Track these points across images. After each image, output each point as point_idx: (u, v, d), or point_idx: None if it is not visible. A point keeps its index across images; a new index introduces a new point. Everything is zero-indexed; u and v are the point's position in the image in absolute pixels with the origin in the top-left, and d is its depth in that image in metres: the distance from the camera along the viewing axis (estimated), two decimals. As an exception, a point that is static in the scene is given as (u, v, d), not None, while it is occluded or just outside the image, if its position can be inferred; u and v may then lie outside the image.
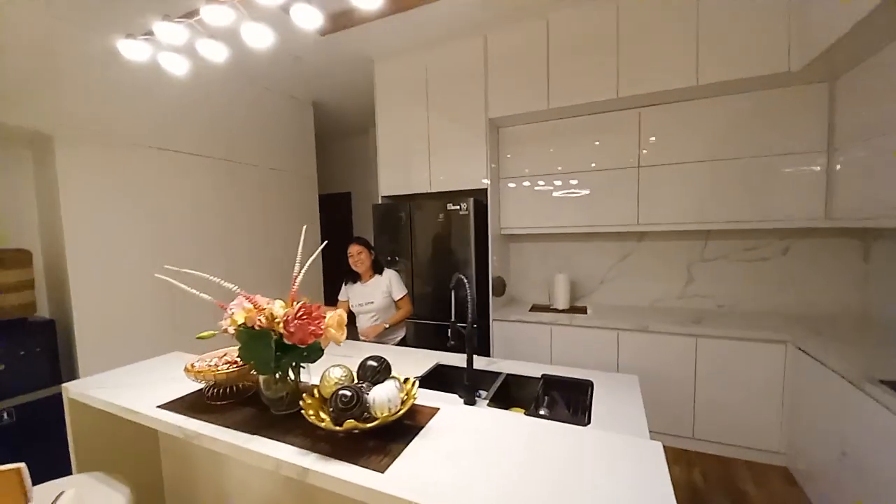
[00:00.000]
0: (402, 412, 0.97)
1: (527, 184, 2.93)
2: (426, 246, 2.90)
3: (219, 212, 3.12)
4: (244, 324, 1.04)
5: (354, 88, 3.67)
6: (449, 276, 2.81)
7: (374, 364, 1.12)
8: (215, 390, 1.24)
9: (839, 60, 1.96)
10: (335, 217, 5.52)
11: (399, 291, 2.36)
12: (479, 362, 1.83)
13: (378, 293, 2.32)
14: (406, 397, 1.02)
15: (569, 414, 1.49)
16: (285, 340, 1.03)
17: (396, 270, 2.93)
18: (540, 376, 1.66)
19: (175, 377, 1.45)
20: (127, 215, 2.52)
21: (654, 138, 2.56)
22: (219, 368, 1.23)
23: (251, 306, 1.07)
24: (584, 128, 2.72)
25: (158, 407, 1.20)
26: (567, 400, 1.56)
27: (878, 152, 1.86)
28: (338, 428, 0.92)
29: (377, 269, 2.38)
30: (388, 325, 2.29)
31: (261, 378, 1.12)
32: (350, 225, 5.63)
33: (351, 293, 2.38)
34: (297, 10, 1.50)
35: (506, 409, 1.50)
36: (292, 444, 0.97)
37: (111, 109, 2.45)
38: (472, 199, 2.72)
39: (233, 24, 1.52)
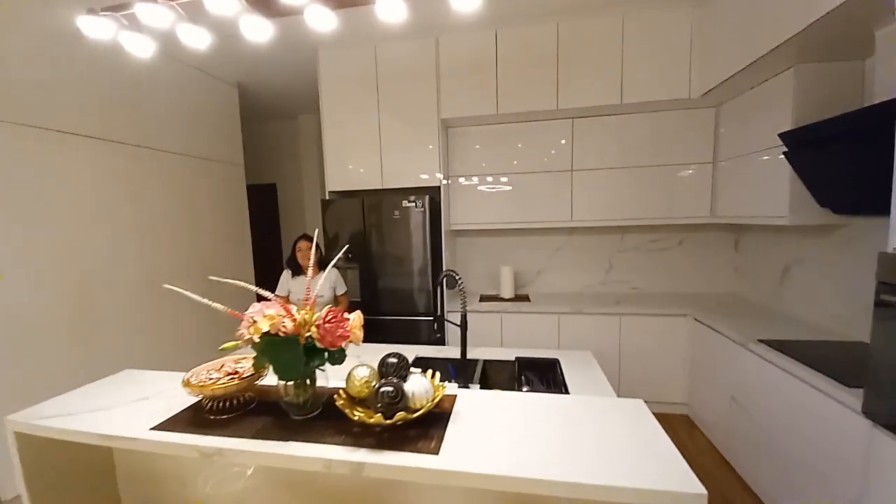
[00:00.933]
0: (436, 400, 1.06)
1: (473, 182, 3.12)
2: (380, 242, 2.92)
3: (137, 205, 2.73)
4: (268, 331, 1.02)
5: (287, 70, 3.39)
6: (403, 272, 2.91)
7: (395, 360, 1.18)
8: (216, 404, 1.18)
9: (724, 94, 2.50)
10: (259, 210, 5.11)
11: (342, 287, 2.62)
12: (453, 352, 1.97)
13: (326, 288, 2.53)
14: (436, 388, 1.10)
15: (546, 389, 1.71)
16: (318, 345, 1.04)
17: (349, 267, 2.93)
18: (514, 359, 1.86)
19: (145, 395, 1.32)
20: (25, 210, 2.09)
21: (583, 146, 2.93)
22: (220, 381, 1.17)
23: (273, 313, 1.05)
24: (525, 133, 2.99)
25: (153, 429, 1.10)
26: (540, 378, 1.78)
27: (746, 165, 2.42)
28: (389, 421, 0.97)
29: (322, 265, 2.39)
30: None
31: (281, 384, 1.11)
32: (276, 218, 5.27)
33: (294, 286, 2.52)
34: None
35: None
36: (334, 444, 0.99)
37: (6, 84, 2.00)
38: (427, 196, 2.81)
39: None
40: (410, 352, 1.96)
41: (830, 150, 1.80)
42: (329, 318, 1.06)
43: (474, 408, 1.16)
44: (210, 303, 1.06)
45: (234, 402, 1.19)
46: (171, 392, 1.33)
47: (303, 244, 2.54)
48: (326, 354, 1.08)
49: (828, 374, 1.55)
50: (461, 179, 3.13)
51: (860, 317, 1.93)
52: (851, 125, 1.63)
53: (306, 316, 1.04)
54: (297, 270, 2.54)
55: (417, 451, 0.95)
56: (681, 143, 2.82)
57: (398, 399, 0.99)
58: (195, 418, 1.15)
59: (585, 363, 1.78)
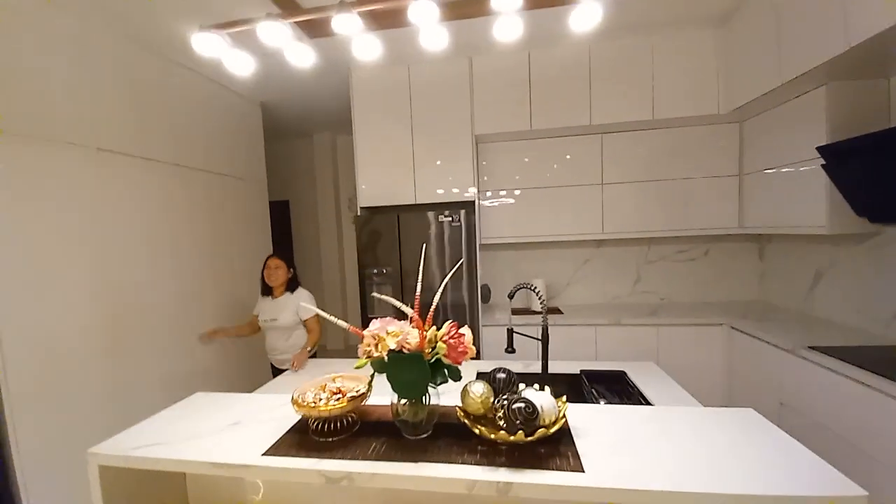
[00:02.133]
0: (564, 417, 1.05)
1: (504, 196, 3.15)
2: (415, 255, 2.91)
3: (170, 223, 2.67)
4: (403, 348, 1.00)
5: (312, 90, 3.44)
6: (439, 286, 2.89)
7: (504, 376, 1.18)
8: (322, 425, 1.14)
9: (750, 110, 2.61)
10: (272, 226, 5.04)
11: (307, 312, 2.33)
12: (516, 366, 1.96)
13: (285, 312, 2.33)
14: (561, 405, 1.10)
15: (623, 401, 1.70)
16: (444, 361, 1.03)
17: (382, 283, 2.90)
18: (579, 372, 1.86)
19: (236, 420, 1.27)
20: (62, 227, 2.02)
21: (612, 160, 3.01)
22: (329, 401, 1.13)
23: (396, 329, 1.03)
24: (557, 147, 3.06)
25: (265, 455, 1.06)
26: (610, 389, 1.78)
27: (777, 177, 2.52)
28: (530, 438, 0.96)
29: (291, 286, 2.40)
30: (309, 349, 2.33)
31: (394, 404, 1.08)
32: (289, 235, 5.21)
33: (261, 307, 2.43)
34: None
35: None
36: (466, 464, 0.97)
37: (44, 101, 1.95)
38: (463, 211, 2.83)
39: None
40: (471, 367, 1.94)
41: (870, 163, 1.89)
42: (452, 333, 1.05)
43: (589, 423, 1.15)
44: (338, 321, 1.04)
45: (341, 423, 1.16)
46: (260, 415, 1.29)
47: (270, 262, 2.38)
48: (447, 371, 1.06)
49: (884, 375, 1.60)
50: (492, 193, 3.17)
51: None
52: (890, 139, 1.72)
53: (436, 332, 1.03)
54: (267, 290, 2.41)
55: (561, 469, 0.93)
56: (706, 156, 2.92)
57: (535, 415, 0.98)
58: (303, 441, 1.11)
59: (653, 374, 1.79)
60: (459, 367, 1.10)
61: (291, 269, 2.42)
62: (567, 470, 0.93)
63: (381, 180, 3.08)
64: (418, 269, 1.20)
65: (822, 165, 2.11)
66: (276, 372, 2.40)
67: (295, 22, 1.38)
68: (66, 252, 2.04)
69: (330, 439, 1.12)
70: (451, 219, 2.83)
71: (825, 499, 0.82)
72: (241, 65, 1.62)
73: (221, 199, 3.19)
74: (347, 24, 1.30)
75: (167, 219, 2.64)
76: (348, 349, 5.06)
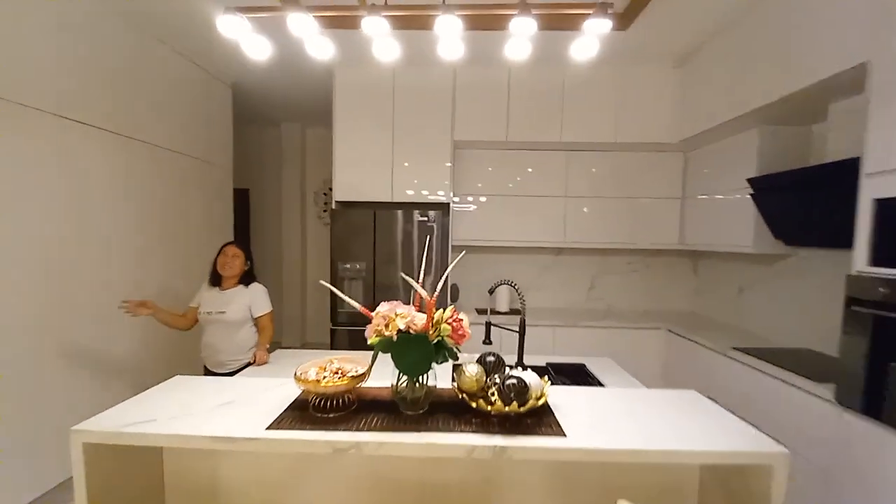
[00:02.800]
0: (546, 393, 1.20)
1: (476, 201, 3.31)
2: (389, 252, 2.97)
3: (136, 203, 2.53)
4: (410, 329, 1.09)
5: (288, 78, 3.39)
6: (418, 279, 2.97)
7: (493, 359, 1.31)
8: (321, 402, 1.19)
9: (695, 142, 2.99)
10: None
11: (262, 308, 2.15)
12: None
13: (235, 305, 2.08)
14: (544, 383, 1.24)
15: (583, 390, 1.89)
16: (447, 342, 1.13)
17: (356, 277, 2.94)
18: (545, 364, 2.04)
19: (229, 400, 1.29)
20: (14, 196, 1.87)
21: (576, 175, 3.28)
22: (331, 379, 1.19)
23: (405, 311, 1.12)
24: (527, 159, 3.27)
25: (269, 429, 1.09)
26: (573, 380, 1.97)
27: (708, 203, 2.91)
28: (522, 409, 1.09)
29: (246, 280, 2.16)
30: (267, 346, 2.15)
31: (401, 382, 1.17)
32: (247, 224, 5.00)
33: (204, 298, 2.11)
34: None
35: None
36: (463, 432, 1.08)
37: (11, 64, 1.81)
38: (439, 212, 2.94)
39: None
40: (447, 359, 2.05)
41: (788, 196, 2.27)
42: (454, 317, 1.15)
43: (564, 401, 1.30)
44: (351, 301, 1.10)
45: (340, 402, 1.22)
46: (254, 396, 1.31)
47: (228, 249, 2.12)
48: (447, 352, 1.17)
49: (800, 373, 1.93)
50: (461, 198, 3.31)
51: (805, 329, 2.41)
52: (810, 177, 2.10)
53: (442, 314, 1.13)
54: (215, 280, 2.12)
55: (547, 435, 1.07)
56: (655, 179, 3.28)
57: (526, 390, 1.11)
58: (305, 417, 1.16)
59: (609, 367, 2.01)
60: (458, 349, 1.21)
61: (249, 262, 2.18)
62: (551, 435, 1.07)
63: (358, 176, 3.11)
64: (422, 259, 1.30)
65: (751, 195, 2.48)
66: (207, 374, 2.11)
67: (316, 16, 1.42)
68: (19, 218, 1.88)
69: (330, 415, 1.18)
70: (426, 219, 2.93)
71: (761, 454, 1.03)
72: (258, 50, 1.61)
73: (190, 182, 3.06)
74: (373, 26, 1.36)
75: (132, 196, 2.50)
76: (305, 346, 4.94)
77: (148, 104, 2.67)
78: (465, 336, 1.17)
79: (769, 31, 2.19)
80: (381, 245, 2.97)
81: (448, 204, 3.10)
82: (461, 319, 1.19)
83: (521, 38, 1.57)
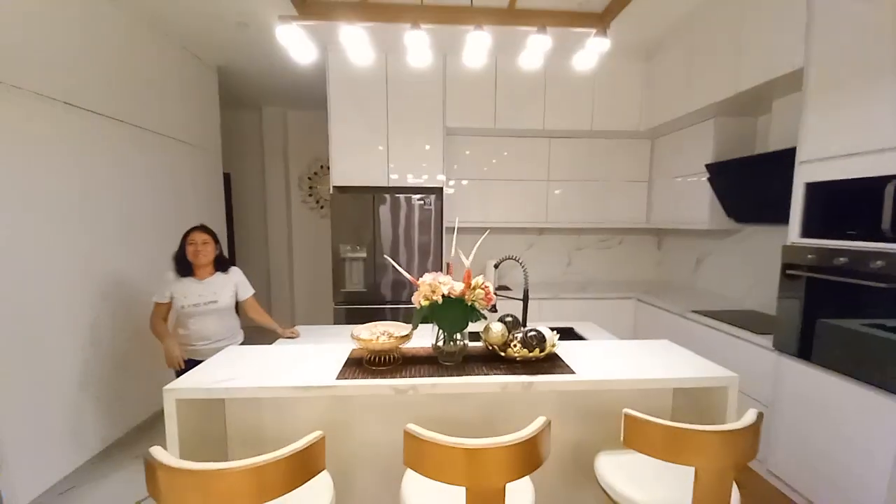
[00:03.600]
0: (556, 343, 1.48)
1: (466, 185, 3.54)
2: (389, 235, 3.17)
3: (123, 190, 2.54)
4: (451, 295, 1.33)
5: (273, 61, 3.40)
6: (411, 263, 3.19)
7: (511, 319, 1.57)
8: (374, 358, 1.42)
9: (661, 130, 3.35)
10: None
11: (248, 291, 2.18)
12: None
13: (225, 292, 2.07)
14: (553, 336, 1.52)
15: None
16: (477, 306, 1.38)
17: (360, 258, 3.12)
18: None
19: (300, 358, 1.49)
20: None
21: (557, 161, 3.58)
22: (383, 337, 1.42)
23: (445, 280, 1.36)
24: (513, 145, 3.53)
25: (338, 379, 1.31)
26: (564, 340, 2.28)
27: (671, 185, 3.29)
28: (543, 353, 1.37)
29: (222, 265, 2.12)
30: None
31: (441, 338, 1.41)
32: (230, 211, 4.97)
33: (180, 290, 2.01)
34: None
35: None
36: (495, 374, 1.35)
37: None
38: (434, 196, 3.15)
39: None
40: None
41: (737, 179, 2.66)
42: (483, 284, 1.40)
43: (568, 351, 1.60)
44: (403, 272, 1.32)
45: (387, 358, 1.45)
46: (311, 358, 1.51)
47: (196, 236, 2.01)
48: (478, 313, 1.42)
49: (744, 327, 2.34)
50: (457, 182, 3.53)
51: (749, 294, 2.86)
52: (756, 164, 2.48)
53: (478, 283, 1.37)
54: (186, 270, 2.02)
55: (562, 373, 1.36)
56: (625, 164, 3.63)
57: (544, 339, 1.39)
58: (362, 370, 1.38)
59: (593, 329, 2.35)
60: (483, 311, 1.46)
61: (219, 246, 2.11)
62: (565, 373, 1.36)
63: (354, 162, 3.24)
64: (452, 239, 1.53)
65: (707, 179, 2.87)
66: (188, 364, 1.95)
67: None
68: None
69: (382, 368, 1.41)
70: (423, 202, 3.13)
71: (718, 378, 1.37)
72: (305, 53, 1.73)
73: (179, 168, 3.07)
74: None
75: (119, 183, 2.50)
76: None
77: (136, 86, 2.64)
78: (491, 300, 1.42)
79: (723, 36, 2.52)
80: (380, 228, 3.15)
81: (441, 188, 3.31)
82: (488, 286, 1.44)
83: (532, 50, 1.79)
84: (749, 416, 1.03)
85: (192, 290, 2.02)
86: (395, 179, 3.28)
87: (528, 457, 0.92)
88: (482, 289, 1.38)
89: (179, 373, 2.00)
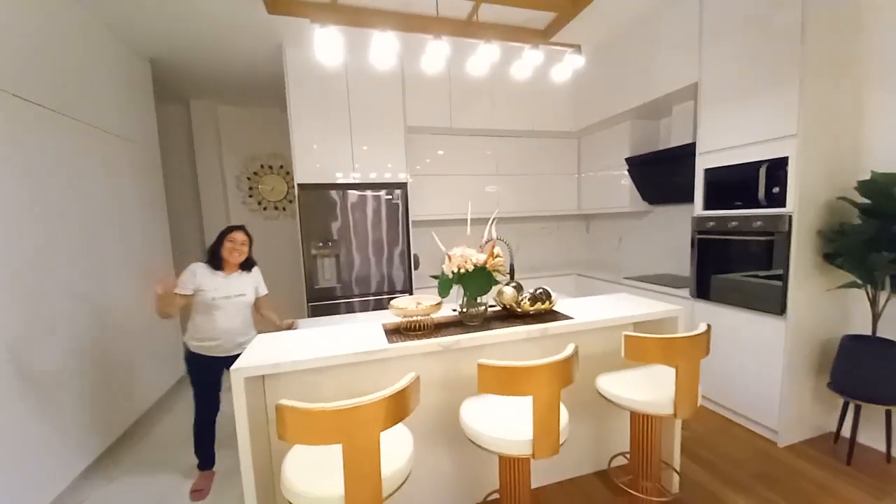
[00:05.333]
0: (556, 301, 1.83)
1: (426, 180, 3.79)
2: (360, 229, 3.27)
3: (64, 186, 2.27)
4: (476, 264, 1.59)
5: (207, 52, 3.25)
6: (381, 255, 3.34)
7: (516, 284, 1.88)
8: (411, 325, 1.62)
9: (588, 130, 3.97)
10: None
11: (264, 289, 2.34)
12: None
13: (250, 288, 2.22)
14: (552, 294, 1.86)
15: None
16: (493, 274, 1.66)
17: (333, 254, 3.19)
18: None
19: (345, 332, 1.64)
20: None
21: (504, 157, 4.01)
22: (418, 309, 1.62)
23: (472, 252, 1.62)
24: (467, 143, 3.86)
25: (390, 343, 1.49)
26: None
27: (596, 177, 3.94)
28: (551, 306, 1.69)
29: (248, 265, 2.25)
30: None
31: (467, 302, 1.66)
32: (159, 216, 4.52)
33: (209, 283, 2.07)
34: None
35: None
36: (517, 326, 1.65)
37: None
38: (400, 191, 3.34)
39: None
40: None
41: (647, 170, 3.33)
42: (498, 256, 1.69)
43: (559, 306, 1.96)
44: (442, 246, 1.54)
45: (419, 326, 1.65)
46: (348, 334, 1.64)
47: (238, 236, 2.14)
48: (495, 280, 1.70)
49: (666, 284, 2.98)
50: (415, 178, 3.75)
51: (663, 262, 3.57)
52: (665, 156, 3.14)
53: (497, 254, 1.65)
54: (219, 265, 2.12)
55: (566, 319, 1.71)
56: (559, 159, 4.20)
57: (550, 296, 1.73)
58: (403, 336, 1.58)
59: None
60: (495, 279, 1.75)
61: (251, 248, 2.23)
62: (567, 319, 1.71)
63: (318, 159, 3.27)
64: (467, 219, 1.78)
65: (627, 170, 3.51)
66: (207, 363, 2.09)
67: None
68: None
69: (418, 333, 1.61)
70: (391, 197, 3.30)
71: (669, 310, 1.83)
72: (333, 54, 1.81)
73: (118, 165, 2.82)
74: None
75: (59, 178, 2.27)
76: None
77: (62, 72, 2.33)
78: (499, 270, 1.72)
79: (636, 57, 3.15)
80: (350, 224, 3.24)
81: (406, 183, 3.51)
82: (500, 256, 1.73)
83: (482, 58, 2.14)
84: (702, 327, 1.47)
85: (220, 284, 2.10)
86: (359, 177, 3.39)
87: (570, 370, 1.24)
88: (498, 256, 1.67)
89: (192, 370, 2.14)
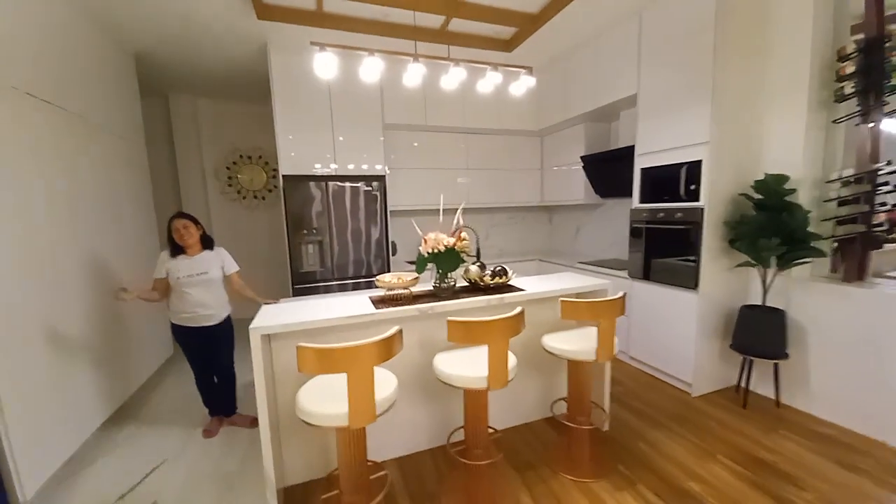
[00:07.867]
0: (512, 276, 2.22)
1: (402, 173, 4.10)
2: (342, 218, 3.56)
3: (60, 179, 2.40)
4: (447, 246, 1.95)
5: (187, 47, 3.39)
6: (360, 242, 3.65)
7: (479, 263, 2.26)
8: (393, 296, 1.97)
9: (549, 130, 4.39)
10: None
11: (234, 266, 2.54)
12: (445, 283, 3.04)
13: (213, 265, 2.42)
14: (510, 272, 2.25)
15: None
16: (461, 254, 2.03)
17: (316, 240, 3.47)
18: (482, 281, 3.11)
19: (329, 303, 1.95)
20: None
21: (474, 152, 4.37)
22: (400, 281, 1.97)
23: (443, 237, 1.98)
24: (441, 139, 4.19)
25: (377, 310, 1.83)
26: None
27: (557, 172, 4.38)
28: (507, 280, 2.08)
29: (208, 243, 2.47)
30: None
31: (440, 276, 2.03)
32: (139, 205, 4.61)
33: (174, 266, 2.34)
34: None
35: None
36: (480, 296, 2.03)
37: None
38: (379, 182, 3.64)
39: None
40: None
41: (599, 167, 3.79)
42: (465, 240, 2.06)
43: (515, 282, 2.36)
44: (419, 230, 1.89)
45: (400, 298, 2.01)
46: (340, 303, 1.97)
47: (178, 223, 2.34)
48: (462, 259, 2.07)
49: (611, 267, 3.46)
50: (393, 171, 4.06)
51: (612, 248, 4.07)
52: (612, 156, 3.60)
53: (463, 238, 2.02)
54: (177, 251, 2.36)
55: (519, 291, 2.11)
56: (524, 155, 4.61)
57: (507, 272, 2.12)
58: (387, 304, 1.92)
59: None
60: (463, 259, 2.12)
61: (200, 227, 2.42)
62: (520, 291, 2.11)
63: (302, 152, 3.52)
64: (456, 211, 2.13)
65: (582, 167, 3.96)
66: (186, 333, 2.39)
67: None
68: None
69: (400, 301, 1.96)
70: (371, 188, 3.61)
71: (602, 284, 2.27)
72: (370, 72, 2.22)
73: (108, 158, 2.98)
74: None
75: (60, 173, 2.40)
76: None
77: (51, 65, 2.40)
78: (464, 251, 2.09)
79: (587, 68, 3.57)
80: (335, 212, 3.52)
81: (384, 175, 3.81)
82: (467, 239, 2.10)
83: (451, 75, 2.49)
84: (619, 294, 1.91)
85: (184, 264, 2.36)
86: (340, 168, 3.66)
87: (517, 324, 1.63)
88: (463, 239, 2.04)
89: (177, 339, 2.46)
